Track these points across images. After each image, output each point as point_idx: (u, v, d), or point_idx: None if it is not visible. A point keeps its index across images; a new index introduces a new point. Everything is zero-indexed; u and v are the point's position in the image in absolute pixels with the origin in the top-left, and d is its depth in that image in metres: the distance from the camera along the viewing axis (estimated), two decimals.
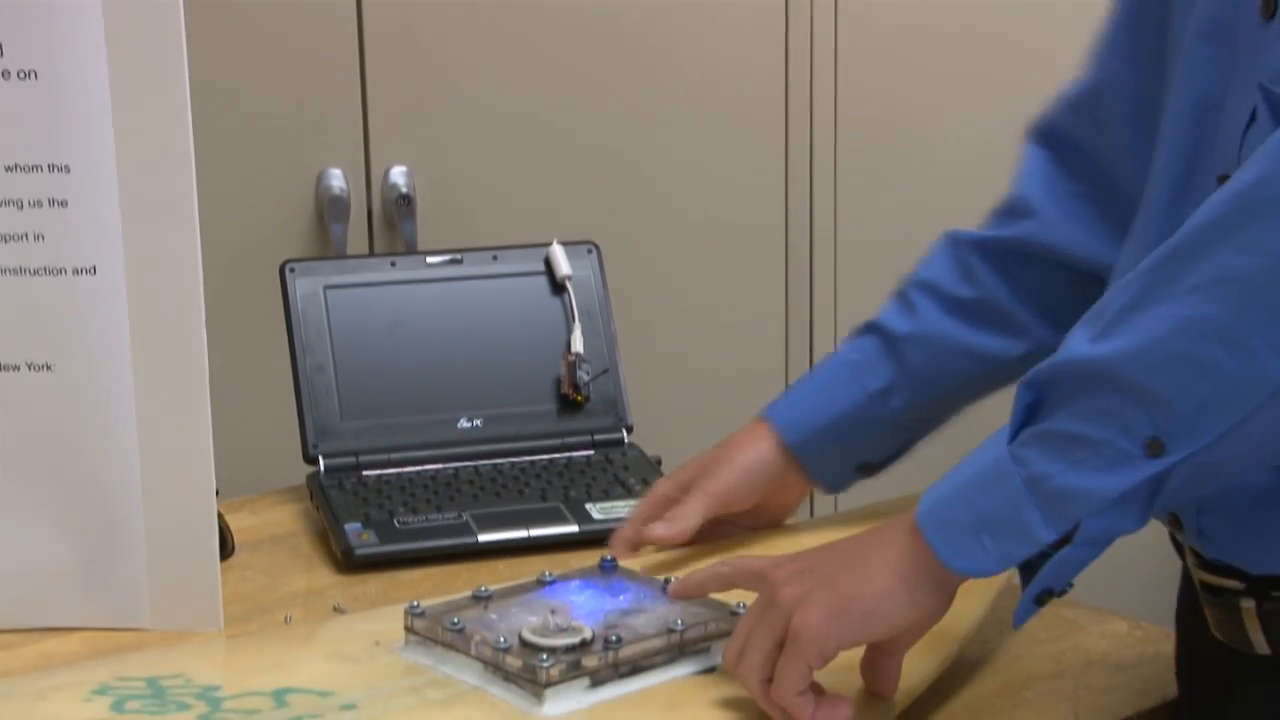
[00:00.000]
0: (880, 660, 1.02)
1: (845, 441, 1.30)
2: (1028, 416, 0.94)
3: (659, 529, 1.29)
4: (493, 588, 1.15)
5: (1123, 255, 1.13)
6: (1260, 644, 1.03)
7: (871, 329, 1.31)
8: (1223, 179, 1.00)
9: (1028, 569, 0.98)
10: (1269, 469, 0.98)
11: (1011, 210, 1.27)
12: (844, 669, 1.08)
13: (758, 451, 1.30)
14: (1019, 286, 1.26)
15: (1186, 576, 1.14)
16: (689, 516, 1.29)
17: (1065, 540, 0.94)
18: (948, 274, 1.29)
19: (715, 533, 1.32)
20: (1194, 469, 0.90)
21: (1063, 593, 0.98)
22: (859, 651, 1.10)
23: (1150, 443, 0.89)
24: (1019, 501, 0.92)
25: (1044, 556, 0.95)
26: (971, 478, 0.95)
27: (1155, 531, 1.87)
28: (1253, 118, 0.98)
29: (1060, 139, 1.25)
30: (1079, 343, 0.92)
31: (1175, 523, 1.05)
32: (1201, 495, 1.00)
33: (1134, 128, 1.16)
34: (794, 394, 1.33)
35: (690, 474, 1.32)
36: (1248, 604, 1.02)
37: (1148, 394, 0.89)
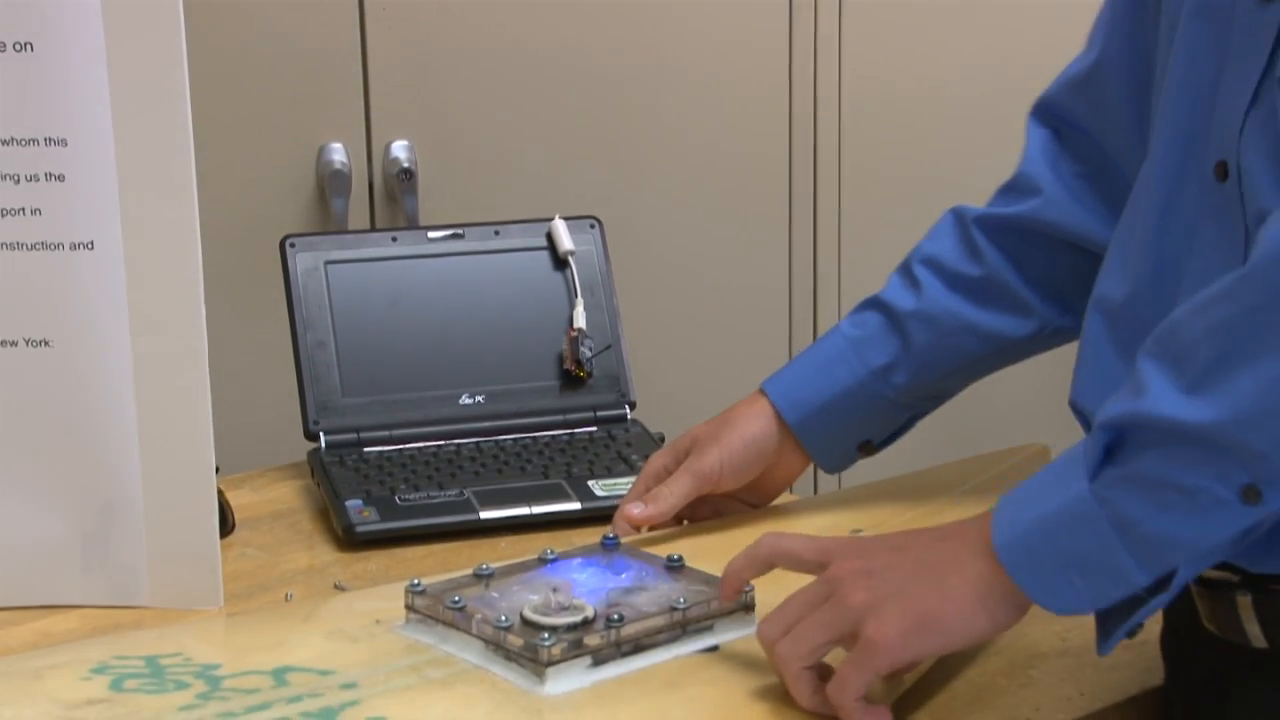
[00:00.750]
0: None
1: (846, 419, 1.29)
2: (1106, 456, 0.93)
3: (635, 510, 1.28)
4: (494, 565, 1.15)
5: (1116, 237, 1.12)
6: (1256, 636, 1.02)
7: (875, 304, 1.30)
8: (1220, 165, 0.99)
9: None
10: None
11: (1017, 188, 1.26)
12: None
13: (753, 429, 1.29)
14: (1024, 265, 1.25)
15: None
16: (669, 497, 1.28)
17: (1161, 585, 0.93)
18: (953, 250, 1.28)
19: (707, 508, 1.31)
20: None
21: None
22: None
23: (1247, 490, 0.88)
24: (1109, 544, 0.91)
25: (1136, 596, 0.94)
26: (1053, 516, 0.93)
27: None
28: (1254, 100, 0.97)
29: (1062, 118, 1.24)
30: (1166, 398, 0.89)
31: None
32: None
33: (1133, 108, 1.16)
34: (794, 369, 1.32)
35: (684, 447, 1.32)
36: (1244, 598, 1.01)
37: (1246, 450, 0.87)
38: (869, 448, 1.32)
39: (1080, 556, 0.92)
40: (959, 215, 1.29)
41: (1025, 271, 1.25)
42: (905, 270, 1.30)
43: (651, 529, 1.29)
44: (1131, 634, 0.97)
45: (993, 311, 1.26)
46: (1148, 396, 0.90)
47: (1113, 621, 0.97)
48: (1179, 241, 1.04)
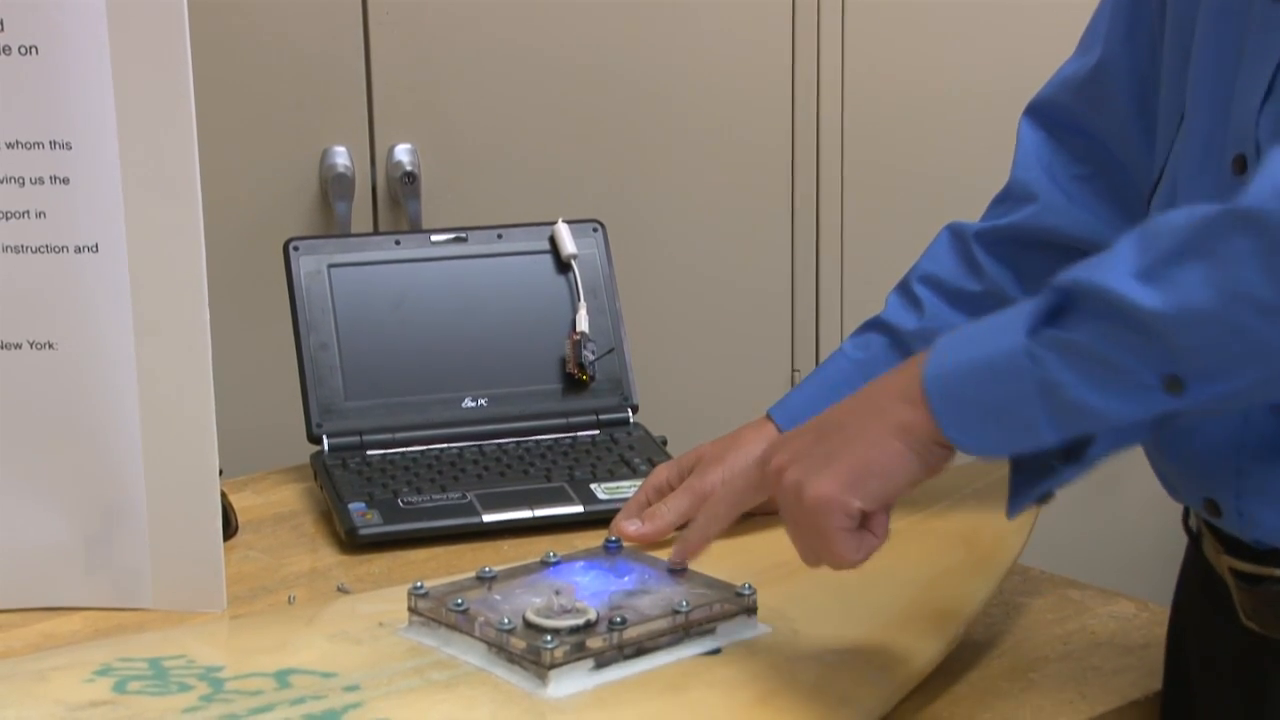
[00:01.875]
0: (871, 516, 1.02)
1: None
2: (1049, 317, 0.94)
3: (631, 528, 1.28)
4: (497, 568, 1.15)
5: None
6: None
7: (877, 326, 1.30)
8: (1238, 159, 0.99)
9: (1023, 459, 0.99)
10: None
11: (1012, 196, 1.26)
12: (853, 650, 1.08)
13: (758, 452, 1.29)
14: (1024, 275, 1.25)
15: (1195, 572, 1.12)
16: (666, 515, 1.29)
17: (1071, 449, 0.95)
18: (952, 267, 1.28)
19: None
20: (1207, 408, 0.91)
21: (1055, 494, 1.00)
22: (861, 635, 1.10)
23: (1170, 380, 0.90)
24: (1029, 400, 0.93)
25: (1043, 458, 0.96)
26: (984, 361, 0.95)
27: (1162, 513, 1.86)
28: (1268, 94, 0.98)
29: (1059, 121, 1.24)
30: (1120, 274, 0.90)
31: (1213, 509, 1.04)
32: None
33: (1135, 107, 1.16)
34: (800, 394, 1.32)
35: (689, 464, 1.32)
36: None
37: (1177, 344, 0.89)
38: None
39: (1000, 406, 0.94)
40: (955, 232, 1.29)
41: (1025, 282, 1.25)
42: (904, 290, 1.30)
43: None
44: (1041, 501, 0.99)
45: None
46: (1105, 269, 0.91)
47: (1023, 487, 0.99)
48: None
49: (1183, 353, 0.89)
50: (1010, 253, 1.26)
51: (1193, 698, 1.12)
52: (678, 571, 1.15)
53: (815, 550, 1.02)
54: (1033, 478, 0.98)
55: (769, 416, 1.32)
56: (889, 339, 1.29)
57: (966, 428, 0.95)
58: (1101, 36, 1.19)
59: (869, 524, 1.01)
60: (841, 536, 1.00)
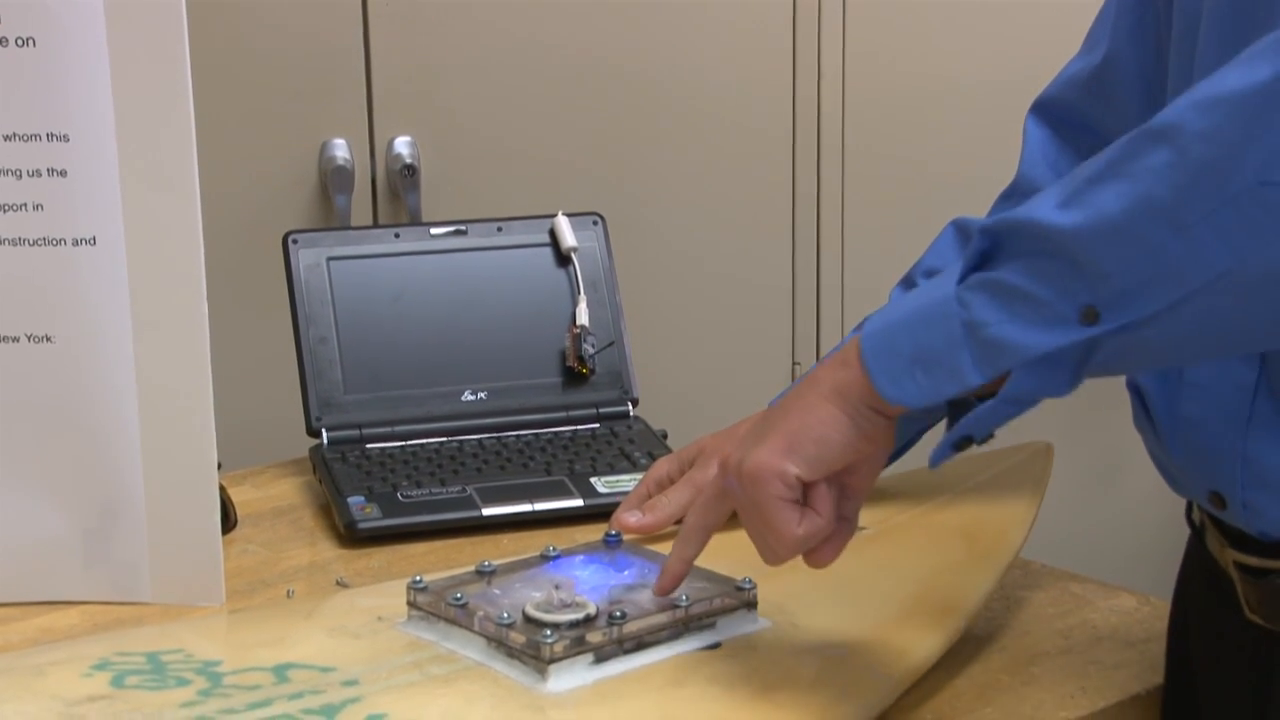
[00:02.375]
0: (842, 499, 1.01)
1: None
2: (979, 262, 0.95)
3: (632, 519, 1.28)
4: (496, 562, 1.14)
5: None
6: None
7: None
8: None
9: (954, 412, 0.99)
10: None
11: (1018, 193, 1.26)
12: (853, 644, 1.08)
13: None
14: None
15: (1197, 566, 1.12)
16: (667, 507, 1.29)
17: (993, 391, 0.95)
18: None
19: None
20: (1124, 344, 0.91)
21: (983, 441, 0.99)
22: (862, 629, 1.10)
23: (1086, 310, 0.90)
24: (954, 342, 0.93)
25: (968, 403, 0.97)
26: (916, 312, 0.95)
27: (1163, 506, 1.86)
28: None
29: (1065, 119, 1.24)
30: (1045, 206, 0.92)
31: (1218, 501, 1.04)
32: (1128, 374, 1.02)
33: (1143, 103, 1.15)
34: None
35: (690, 457, 1.32)
36: None
37: (1092, 265, 0.89)
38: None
39: (927, 352, 0.94)
40: (961, 227, 1.29)
41: None
42: (908, 285, 1.29)
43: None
44: (960, 446, 0.98)
45: None
46: (1030, 205, 0.92)
47: (950, 432, 0.98)
48: None
49: (1098, 276, 0.89)
50: None
51: (1196, 692, 1.12)
52: None
53: (763, 535, 1.01)
54: (955, 420, 0.98)
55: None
56: None
57: (896, 378, 0.95)
58: (1107, 33, 1.19)
59: (811, 500, 1.00)
60: (780, 508, 0.98)
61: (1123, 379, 1.11)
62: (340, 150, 2.02)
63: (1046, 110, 1.26)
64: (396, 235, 1.58)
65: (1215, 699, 1.11)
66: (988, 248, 0.94)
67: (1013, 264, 0.92)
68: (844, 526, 1.01)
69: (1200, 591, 1.12)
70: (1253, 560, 1.03)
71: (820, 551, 1.01)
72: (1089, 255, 0.89)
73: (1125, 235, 0.88)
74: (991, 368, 0.93)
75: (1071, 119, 1.24)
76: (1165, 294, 0.88)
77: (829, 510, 1.00)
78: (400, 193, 2.03)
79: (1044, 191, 0.93)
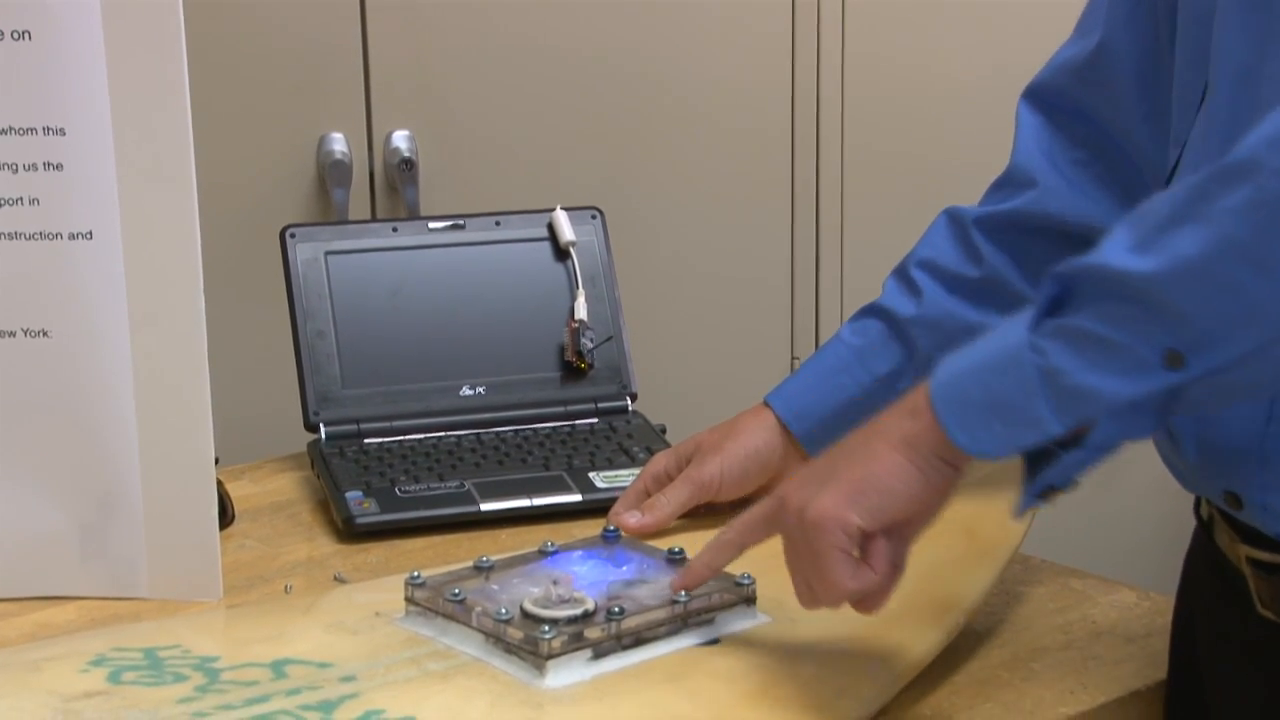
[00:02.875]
0: (894, 545, 1.00)
1: (851, 429, 1.27)
2: (1051, 308, 0.93)
3: (632, 520, 1.28)
4: (494, 558, 1.14)
5: None
6: None
7: (875, 312, 1.29)
8: None
9: (1032, 459, 0.97)
10: None
11: (1011, 182, 1.25)
12: (852, 640, 1.07)
13: (756, 441, 1.29)
14: (1024, 260, 1.24)
15: (1204, 560, 1.12)
16: (665, 506, 1.28)
17: (1074, 439, 0.94)
18: (950, 253, 1.27)
19: (706, 513, 1.30)
20: (1211, 387, 0.90)
21: (1067, 490, 0.98)
22: (861, 625, 1.10)
23: (1170, 355, 0.89)
24: (1032, 391, 0.92)
25: (1049, 452, 0.95)
26: (988, 360, 0.94)
27: (1163, 501, 1.85)
28: None
29: (1058, 106, 1.23)
30: (1116, 251, 0.90)
31: (1234, 502, 1.03)
32: (1209, 412, 1.00)
33: (1139, 89, 1.15)
34: (798, 380, 1.31)
35: (687, 452, 1.31)
36: None
37: (1173, 309, 0.88)
38: None
39: (1004, 401, 0.93)
40: (954, 216, 1.28)
41: (1025, 268, 1.24)
42: (902, 275, 1.29)
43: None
44: (1045, 496, 0.97)
45: (995, 312, 1.24)
46: (1101, 250, 0.91)
47: (1028, 482, 0.97)
48: None
49: (1179, 320, 0.88)
50: (1010, 238, 1.25)
51: (1201, 687, 1.12)
52: (676, 561, 1.14)
53: (809, 580, 1.00)
54: (1036, 470, 0.97)
55: (766, 403, 1.32)
56: (886, 325, 1.28)
57: (970, 427, 0.94)
58: (1101, 19, 1.18)
59: (868, 552, 0.99)
60: (837, 558, 0.98)
61: None
62: (338, 144, 2.01)
63: (1039, 96, 1.25)
64: (394, 229, 1.58)
65: (1224, 695, 1.10)
66: (1059, 293, 0.93)
67: (1088, 310, 0.91)
68: (893, 574, 1.01)
69: (1207, 587, 1.12)
70: (1266, 556, 1.03)
71: (868, 601, 1.01)
72: (1169, 299, 0.88)
73: (1206, 278, 0.87)
74: (1073, 416, 0.92)
75: (1064, 105, 1.23)
76: (1252, 336, 0.87)
77: (884, 566, 0.99)
78: (398, 187, 2.03)
79: (1112, 235, 0.91)
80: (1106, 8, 1.18)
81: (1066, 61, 1.23)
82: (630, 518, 1.28)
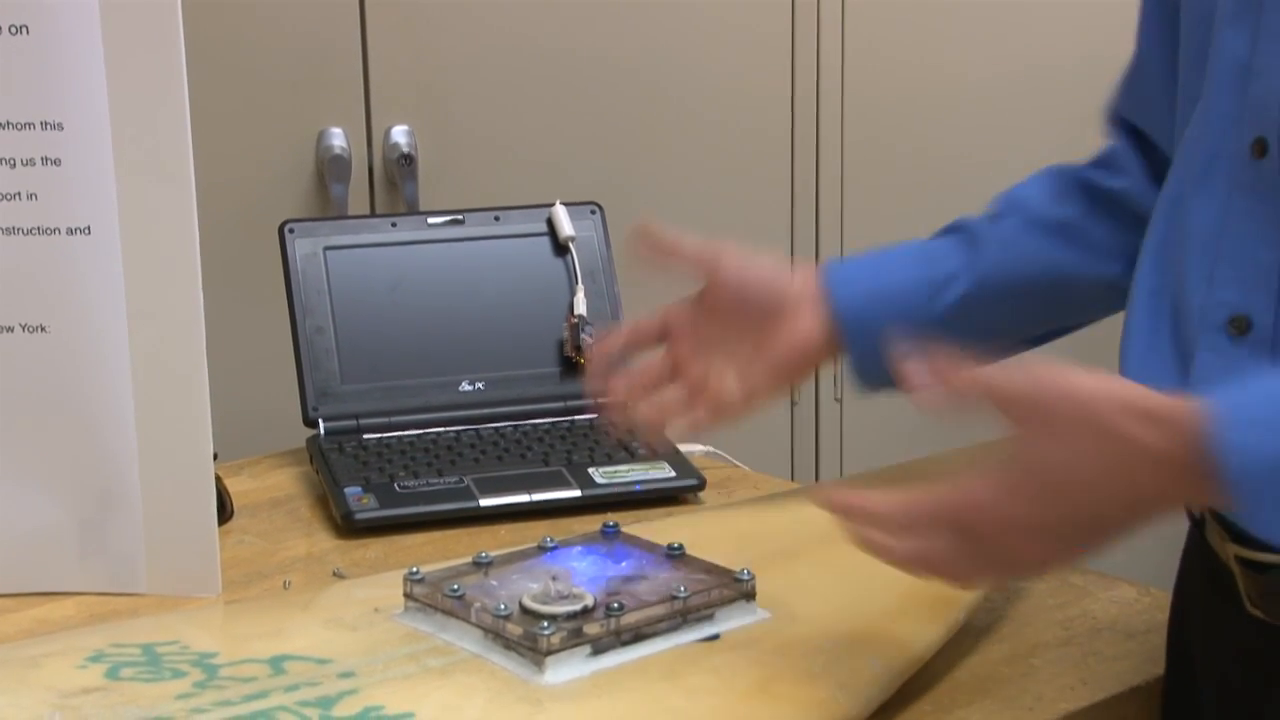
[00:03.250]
0: None
1: (888, 318, 1.22)
2: None
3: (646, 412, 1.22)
4: (493, 553, 1.14)
5: (1154, 220, 1.10)
6: None
7: (952, 228, 1.26)
8: (1258, 142, 0.98)
9: None
10: None
11: (1111, 164, 1.23)
12: (852, 635, 1.07)
13: (794, 275, 1.23)
14: (1113, 230, 1.22)
15: (1197, 557, 1.12)
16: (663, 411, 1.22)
17: None
18: (1041, 194, 1.25)
19: (707, 343, 1.23)
20: None
21: None
22: (861, 620, 1.09)
23: None
24: None
25: None
26: None
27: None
28: None
29: (1121, 121, 1.23)
30: None
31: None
32: None
33: (1168, 103, 1.14)
34: (857, 258, 1.27)
35: (658, 329, 1.25)
36: None
37: None
38: None
39: None
40: (1059, 169, 1.26)
41: (1113, 235, 1.21)
42: (990, 207, 1.27)
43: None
44: None
45: (1071, 251, 1.22)
46: None
47: None
48: (1212, 218, 1.03)
49: None
50: (1104, 206, 1.23)
51: (1196, 683, 1.12)
52: (675, 557, 1.14)
53: (972, 566, 0.95)
54: None
55: (821, 270, 1.25)
56: (959, 236, 1.25)
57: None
58: (1139, 33, 1.17)
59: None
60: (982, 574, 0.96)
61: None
62: (337, 139, 2.01)
63: (1110, 116, 1.24)
64: (393, 225, 1.58)
65: (1215, 691, 1.10)
66: None
67: None
68: None
69: (1200, 584, 1.12)
70: (1254, 554, 1.03)
71: None
72: None
73: None
74: None
75: (1125, 121, 1.22)
76: None
77: None
78: (397, 182, 2.03)
79: None
80: (1141, 21, 1.17)
81: (1122, 76, 1.22)
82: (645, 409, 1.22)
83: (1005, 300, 1.24)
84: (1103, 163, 1.25)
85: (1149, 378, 1.02)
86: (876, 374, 1.23)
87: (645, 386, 1.24)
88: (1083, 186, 1.24)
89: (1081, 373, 0.89)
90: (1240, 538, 1.03)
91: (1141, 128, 1.20)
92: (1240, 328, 1.00)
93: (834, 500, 1.00)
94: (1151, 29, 1.16)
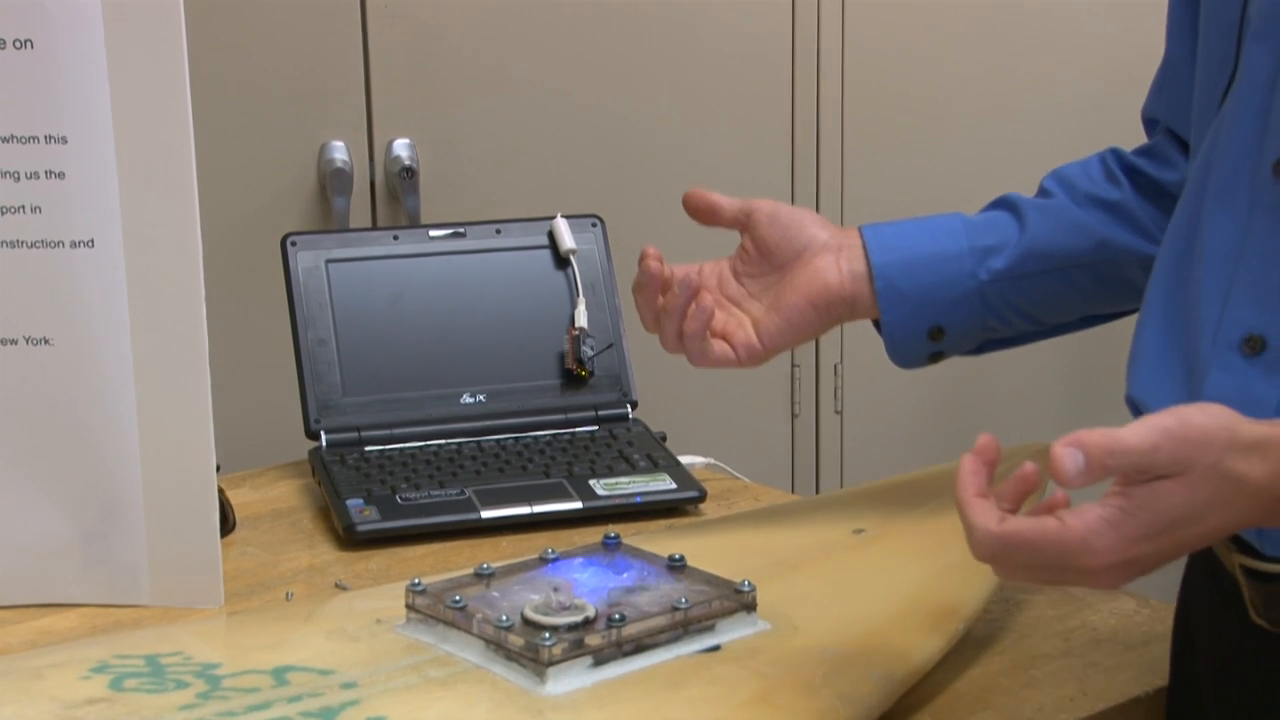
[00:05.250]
0: None
1: (927, 285, 1.22)
2: None
3: (717, 350, 1.21)
4: (495, 565, 1.14)
5: (1168, 237, 1.10)
6: None
7: (998, 203, 1.26)
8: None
9: None
10: None
11: (1158, 155, 1.24)
12: (853, 647, 1.07)
13: (832, 230, 1.23)
14: (1160, 218, 1.21)
15: (1202, 567, 1.12)
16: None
17: None
18: (1091, 173, 1.24)
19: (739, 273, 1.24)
20: None
21: None
22: (862, 632, 1.10)
23: None
24: None
25: None
26: None
27: None
28: None
29: (1157, 122, 1.23)
30: None
31: None
32: None
33: (1198, 104, 1.14)
34: (897, 224, 1.26)
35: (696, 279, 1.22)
36: None
37: None
38: (938, 336, 1.24)
39: None
40: (1109, 153, 1.26)
41: (1161, 223, 1.20)
42: (1039, 187, 1.27)
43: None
44: None
45: (1117, 226, 1.22)
46: None
47: None
48: (1230, 237, 1.03)
49: None
50: (1152, 191, 1.23)
51: (1200, 693, 1.12)
52: (677, 568, 1.14)
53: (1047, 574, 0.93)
54: None
55: (860, 232, 1.25)
56: (1005, 210, 1.25)
57: None
58: (1169, 36, 1.18)
59: None
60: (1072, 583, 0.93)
61: (1121, 389, 1.11)
62: (339, 152, 2.02)
63: (1145, 119, 1.24)
64: (395, 237, 1.58)
65: (1221, 702, 1.10)
66: None
67: None
68: None
69: (1205, 594, 1.12)
70: (1259, 565, 1.03)
71: None
72: None
73: None
74: None
75: (1158, 122, 1.23)
76: None
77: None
78: (399, 195, 2.03)
79: None
80: (1171, 24, 1.17)
81: (1153, 81, 1.22)
82: (716, 347, 1.21)
83: (1051, 273, 1.23)
84: (1149, 153, 1.25)
85: (1157, 394, 1.02)
86: (909, 342, 1.23)
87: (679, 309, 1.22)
88: (1132, 171, 1.24)
89: (1191, 410, 0.89)
90: (1245, 548, 1.04)
91: (1176, 130, 1.20)
92: (1255, 347, 1.00)
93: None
94: (1182, 33, 1.16)
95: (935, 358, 1.26)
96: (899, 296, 1.23)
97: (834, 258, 1.23)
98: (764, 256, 1.24)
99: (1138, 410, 1.10)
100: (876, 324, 1.25)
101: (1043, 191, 1.26)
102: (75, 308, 1.22)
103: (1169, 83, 1.20)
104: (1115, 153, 1.27)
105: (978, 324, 1.24)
